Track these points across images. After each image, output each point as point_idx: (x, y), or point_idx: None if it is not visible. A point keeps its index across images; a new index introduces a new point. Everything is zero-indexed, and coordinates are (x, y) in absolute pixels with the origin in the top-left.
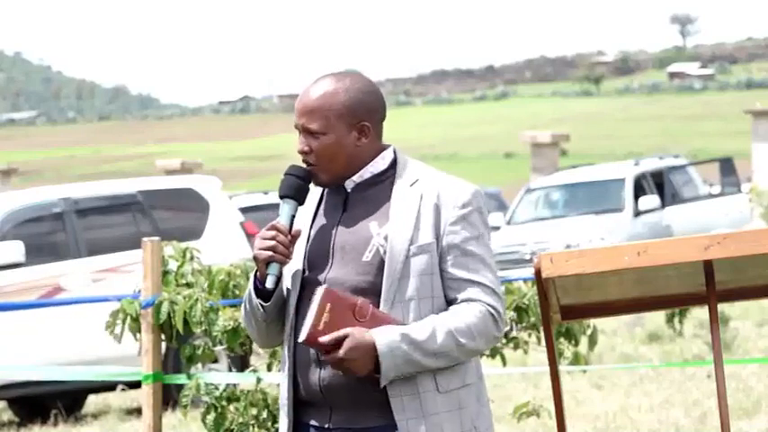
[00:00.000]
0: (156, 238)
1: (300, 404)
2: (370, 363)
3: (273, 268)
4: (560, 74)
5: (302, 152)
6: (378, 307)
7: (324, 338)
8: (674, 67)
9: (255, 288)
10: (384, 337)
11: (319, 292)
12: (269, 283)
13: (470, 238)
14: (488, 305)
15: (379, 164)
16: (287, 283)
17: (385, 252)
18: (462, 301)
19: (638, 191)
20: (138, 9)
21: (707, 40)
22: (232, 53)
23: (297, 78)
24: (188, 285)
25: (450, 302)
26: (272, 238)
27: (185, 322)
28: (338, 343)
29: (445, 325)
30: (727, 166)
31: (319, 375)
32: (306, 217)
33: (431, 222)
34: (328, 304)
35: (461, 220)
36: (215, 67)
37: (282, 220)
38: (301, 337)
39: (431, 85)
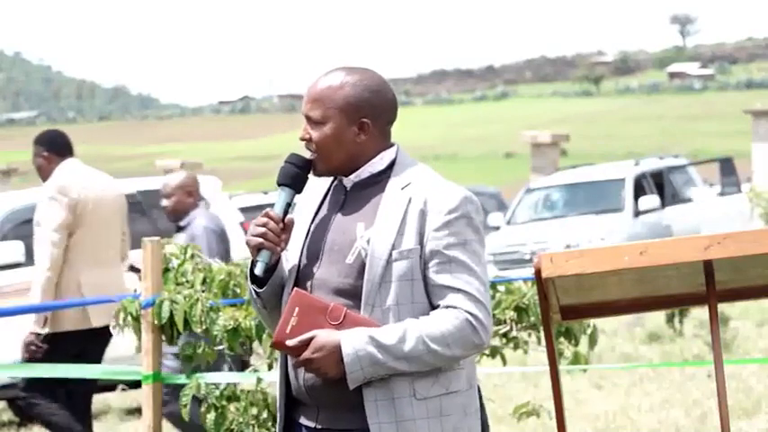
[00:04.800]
0: (156, 238)
1: (293, 403)
2: (337, 363)
3: (264, 255)
4: (560, 74)
5: (303, 139)
6: (359, 310)
7: (290, 342)
8: (674, 67)
9: (251, 274)
10: (350, 339)
11: (291, 295)
12: (258, 270)
13: (454, 245)
14: (468, 312)
15: (378, 164)
16: (285, 277)
17: (366, 255)
18: (442, 308)
19: (638, 191)
20: (137, 9)
21: (707, 40)
22: (232, 53)
23: (297, 78)
24: (188, 284)
25: (434, 309)
26: (264, 225)
27: (185, 322)
28: (307, 345)
29: (417, 330)
30: (727, 166)
31: (304, 376)
32: (309, 211)
33: (415, 228)
34: (296, 308)
35: (446, 226)
36: (215, 67)
37: (276, 209)
38: (271, 342)
39: (431, 85)
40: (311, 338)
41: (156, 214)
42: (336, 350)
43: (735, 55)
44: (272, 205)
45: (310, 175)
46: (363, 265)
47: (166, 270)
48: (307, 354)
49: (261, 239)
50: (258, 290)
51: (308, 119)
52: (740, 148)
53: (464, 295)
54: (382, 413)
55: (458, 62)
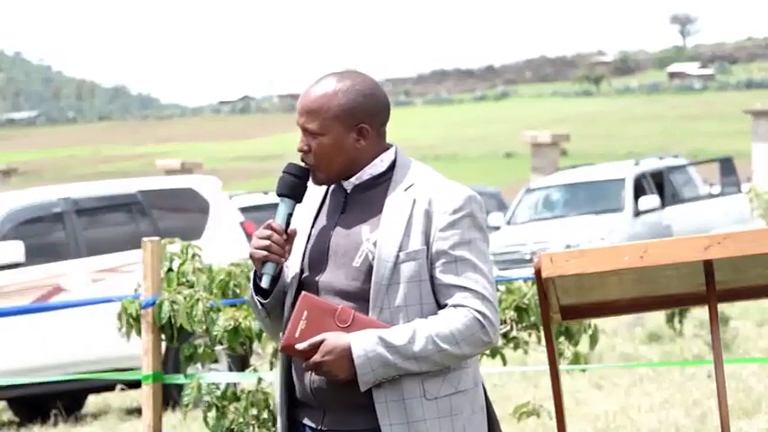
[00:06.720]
0: (156, 238)
1: (297, 404)
2: (347, 366)
3: (269, 268)
4: (560, 74)
5: (301, 150)
6: (367, 313)
7: (299, 345)
8: (674, 67)
9: (255, 285)
10: (360, 341)
11: (299, 299)
12: (264, 283)
13: (460, 244)
14: (476, 310)
15: (378, 166)
16: (287, 282)
17: (374, 258)
18: (450, 307)
19: (638, 191)
20: (137, 9)
21: (707, 40)
22: (232, 53)
23: (297, 78)
24: (188, 284)
25: (441, 309)
26: (267, 238)
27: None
28: (316, 348)
29: (427, 329)
30: (727, 166)
31: (310, 378)
32: (308, 216)
33: (421, 229)
34: (305, 311)
35: (451, 225)
36: (215, 67)
37: (278, 220)
38: (279, 346)
39: (431, 85)
40: (321, 342)
41: (156, 214)
42: (346, 353)
43: (735, 55)
44: (271, 205)
45: (309, 183)
46: (371, 268)
47: (170, 269)
48: (317, 357)
49: (265, 252)
50: (263, 301)
51: (305, 130)
52: (740, 148)
53: (471, 293)
54: (393, 414)
55: (458, 62)
